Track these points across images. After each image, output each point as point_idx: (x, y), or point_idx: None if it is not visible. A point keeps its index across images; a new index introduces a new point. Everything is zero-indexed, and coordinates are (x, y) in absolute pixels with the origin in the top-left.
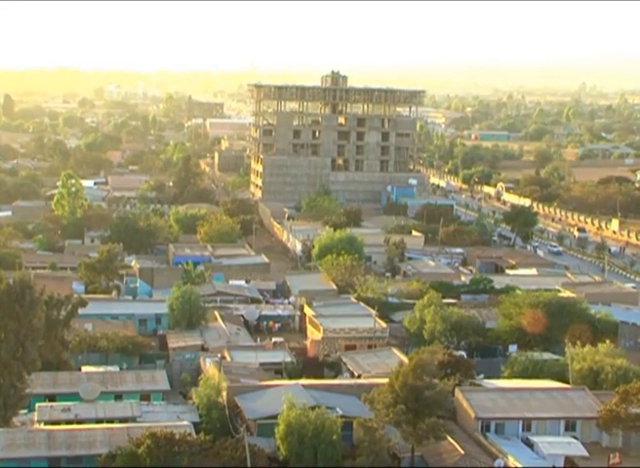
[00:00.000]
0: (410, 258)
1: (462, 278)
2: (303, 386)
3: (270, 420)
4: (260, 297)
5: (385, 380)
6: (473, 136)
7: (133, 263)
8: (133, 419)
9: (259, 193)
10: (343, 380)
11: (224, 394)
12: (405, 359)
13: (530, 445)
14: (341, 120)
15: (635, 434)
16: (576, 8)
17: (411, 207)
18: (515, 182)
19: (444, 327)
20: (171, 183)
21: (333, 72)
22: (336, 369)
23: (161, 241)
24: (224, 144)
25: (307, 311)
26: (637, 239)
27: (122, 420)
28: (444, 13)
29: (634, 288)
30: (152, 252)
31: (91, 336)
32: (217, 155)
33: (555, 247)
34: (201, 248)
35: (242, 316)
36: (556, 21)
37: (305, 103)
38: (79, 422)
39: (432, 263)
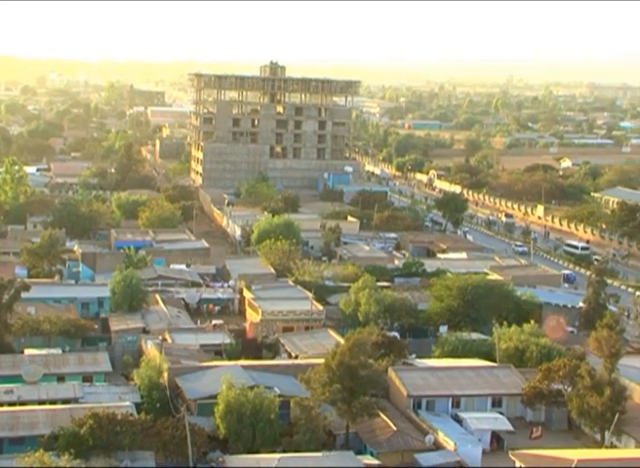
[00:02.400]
0: (345, 243)
1: (396, 262)
2: (242, 367)
3: (210, 400)
4: (201, 281)
5: (322, 361)
6: (406, 126)
7: (75, 248)
8: (75, 400)
9: (199, 180)
10: (281, 361)
11: (165, 375)
12: (341, 340)
13: (459, 420)
14: (280, 109)
15: (557, 409)
16: (506, 8)
17: (346, 193)
18: (446, 170)
19: (378, 309)
20: (113, 170)
21: (271, 62)
22: (274, 350)
23: (103, 226)
24: (165, 132)
25: (246, 294)
26: (560, 224)
27: (64, 401)
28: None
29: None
30: (94, 237)
31: (34, 320)
32: (158, 142)
33: (521, 246)
34: (142, 233)
35: (183, 299)
36: (485, 20)
37: (245, 93)
38: (22, 404)
39: (367, 248)
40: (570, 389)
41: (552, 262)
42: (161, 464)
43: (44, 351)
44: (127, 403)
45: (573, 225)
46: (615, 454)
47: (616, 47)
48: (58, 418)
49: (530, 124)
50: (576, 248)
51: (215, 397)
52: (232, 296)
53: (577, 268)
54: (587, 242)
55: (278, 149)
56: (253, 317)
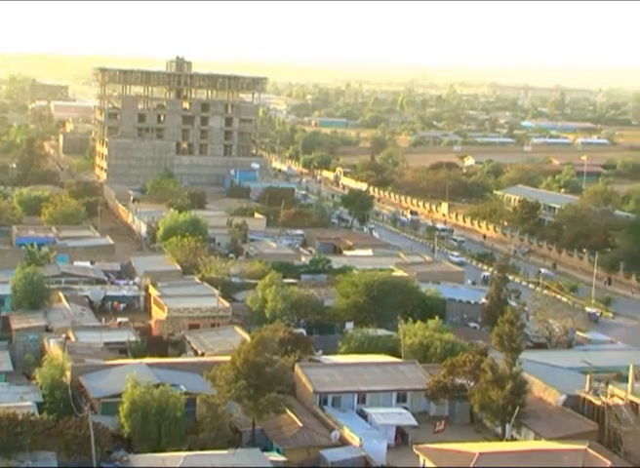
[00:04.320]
0: (252, 240)
1: (302, 258)
2: (148, 365)
3: (114, 399)
4: (105, 278)
5: (228, 358)
6: (313, 123)
7: None
8: None
9: (103, 176)
10: (187, 358)
11: (68, 374)
12: (247, 337)
13: (364, 416)
14: (186, 105)
15: (460, 403)
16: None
17: (253, 190)
18: (352, 167)
19: (285, 305)
20: (14, 165)
21: (177, 58)
22: (179, 347)
23: (4, 222)
24: (69, 127)
25: (152, 291)
26: (464, 221)
27: None
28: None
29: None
30: None
31: None
32: (61, 137)
33: (458, 257)
34: (45, 229)
35: (87, 297)
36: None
37: (150, 88)
38: None
39: (274, 244)
40: (472, 384)
41: (456, 258)
42: (64, 464)
43: None
44: (28, 402)
45: (476, 222)
46: (515, 447)
47: (518, 52)
48: None
49: (434, 122)
50: (444, 230)
51: (119, 395)
52: (138, 294)
53: (480, 265)
54: (445, 222)
55: (184, 145)
56: (158, 314)
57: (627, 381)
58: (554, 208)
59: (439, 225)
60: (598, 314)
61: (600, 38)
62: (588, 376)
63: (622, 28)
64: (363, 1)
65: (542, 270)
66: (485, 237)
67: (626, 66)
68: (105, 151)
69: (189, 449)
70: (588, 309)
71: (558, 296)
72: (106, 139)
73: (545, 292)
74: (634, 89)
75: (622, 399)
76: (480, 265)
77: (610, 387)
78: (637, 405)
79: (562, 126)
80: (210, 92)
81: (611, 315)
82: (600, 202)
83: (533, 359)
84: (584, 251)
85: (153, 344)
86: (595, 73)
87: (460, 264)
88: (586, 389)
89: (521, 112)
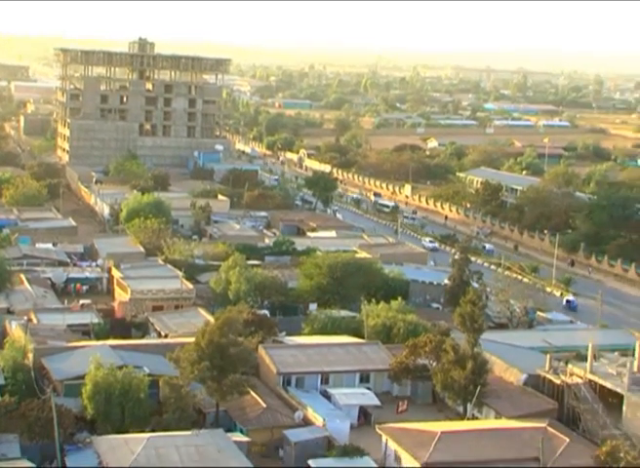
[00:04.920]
0: (216, 222)
1: (266, 240)
2: (111, 347)
3: (77, 381)
4: (68, 260)
5: (191, 339)
6: (277, 105)
7: None
8: None
9: (65, 157)
10: (150, 340)
11: (30, 356)
12: (210, 318)
13: (327, 397)
14: (149, 86)
15: (422, 383)
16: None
17: (217, 172)
18: (316, 149)
19: (248, 287)
20: None
21: (140, 39)
22: (143, 329)
23: None
24: (30, 108)
25: (115, 273)
26: (427, 203)
27: None
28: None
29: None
30: None
31: None
32: (22, 119)
33: (432, 242)
34: (6, 211)
35: (49, 279)
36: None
37: (113, 69)
38: None
39: (237, 226)
40: (435, 364)
41: (419, 240)
42: (26, 446)
43: None
44: None
45: (439, 204)
46: (476, 425)
47: (480, 36)
48: None
49: (398, 104)
50: (387, 206)
51: (82, 377)
52: (100, 276)
53: (442, 246)
54: (377, 194)
55: (147, 127)
56: (122, 296)
57: (586, 360)
58: (516, 190)
59: (386, 201)
60: (577, 302)
61: (562, 24)
62: (548, 356)
63: (583, 15)
64: None
65: (487, 245)
66: (447, 218)
67: (587, 51)
68: (67, 133)
69: (153, 431)
70: (567, 297)
71: (519, 277)
72: (68, 121)
73: (507, 272)
74: (594, 72)
75: (581, 378)
76: (443, 246)
77: (569, 366)
78: (595, 383)
79: (524, 108)
80: (173, 73)
81: (571, 295)
82: (561, 184)
83: (494, 339)
84: (546, 232)
85: (116, 326)
86: (557, 58)
87: (433, 250)
88: (546, 368)
89: (484, 95)
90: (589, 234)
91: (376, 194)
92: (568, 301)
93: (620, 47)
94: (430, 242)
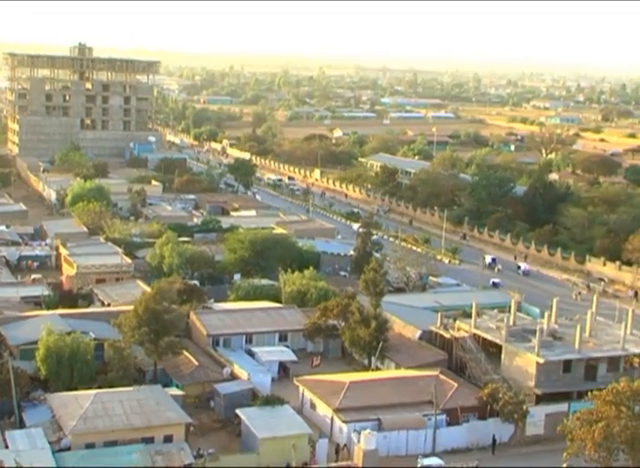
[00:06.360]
0: (150, 204)
1: (195, 219)
2: (60, 315)
3: (31, 346)
4: (20, 240)
5: (131, 307)
6: (202, 101)
7: None
8: None
9: (16, 149)
10: (95, 309)
11: None
12: (147, 289)
13: (251, 354)
14: (89, 85)
15: (332, 340)
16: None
17: (150, 160)
18: (237, 139)
19: (180, 261)
20: None
21: (80, 44)
22: (88, 299)
23: None
24: None
25: (62, 251)
26: (334, 185)
27: None
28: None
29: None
30: None
31: None
32: None
33: (376, 235)
34: None
35: (3, 257)
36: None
37: (56, 71)
38: None
39: (169, 208)
40: (343, 324)
41: (328, 217)
42: None
43: None
44: None
45: (344, 186)
46: (379, 375)
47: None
48: None
49: (307, 99)
50: (280, 180)
51: (36, 343)
52: (49, 253)
53: (347, 222)
54: (290, 178)
55: (88, 122)
56: (68, 271)
57: (471, 317)
58: (410, 172)
59: (273, 176)
60: (502, 283)
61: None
62: (439, 314)
63: (468, 26)
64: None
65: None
66: (347, 196)
67: (469, 57)
68: (17, 127)
69: (99, 388)
70: (493, 280)
71: (414, 248)
72: (17, 117)
73: (403, 243)
74: (473, 71)
75: (467, 332)
76: (348, 222)
77: (457, 322)
78: (479, 336)
79: (415, 102)
80: (110, 74)
81: (457, 262)
82: (448, 167)
83: (393, 301)
84: (435, 208)
85: (64, 297)
86: (442, 61)
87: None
88: (438, 325)
89: (381, 90)
90: (472, 209)
91: (289, 178)
92: (494, 283)
93: (496, 55)
94: (377, 236)
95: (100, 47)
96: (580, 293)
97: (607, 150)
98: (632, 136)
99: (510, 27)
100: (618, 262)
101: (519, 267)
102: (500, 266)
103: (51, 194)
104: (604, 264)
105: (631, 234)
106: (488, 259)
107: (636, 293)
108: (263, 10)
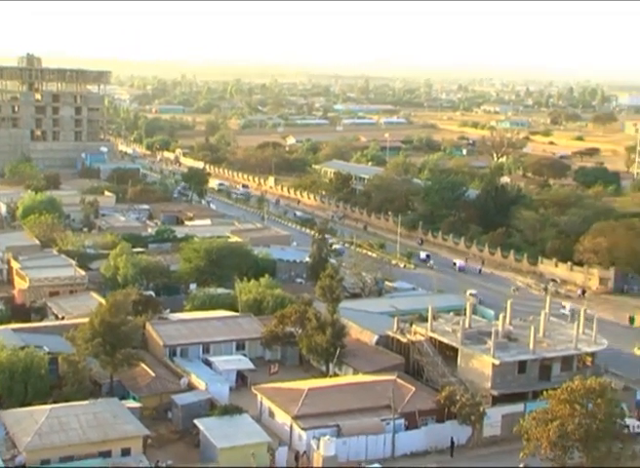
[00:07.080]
0: (103, 215)
1: (149, 229)
2: (13, 330)
3: None
4: None
5: (86, 320)
6: (154, 110)
7: None
8: None
9: None
10: (49, 322)
11: None
12: (102, 301)
13: (209, 363)
14: (38, 96)
15: (290, 348)
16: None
17: (103, 171)
18: (190, 148)
19: (135, 271)
20: None
21: (28, 54)
22: (41, 313)
23: None
24: None
25: (14, 264)
26: (288, 192)
27: None
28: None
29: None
30: None
31: None
32: None
33: (340, 244)
34: None
35: None
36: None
37: (4, 81)
38: None
39: (123, 218)
40: (300, 331)
41: (283, 225)
42: None
43: None
44: None
45: (299, 193)
46: (337, 381)
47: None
48: None
49: (260, 107)
50: (222, 184)
51: None
52: (0, 267)
53: (303, 229)
54: (244, 186)
55: (38, 133)
56: (21, 284)
57: (427, 321)
58: (364, 178)
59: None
60: (477, 294)
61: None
62: (396, 319)
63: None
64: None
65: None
66: (299, 202)
67: (421, 63)
68: None
69: (54, 402)
70: (470, 291)
71: (369, 253)
72: None
73: (358, 249)
74: (424, 77)
75: (423, 336)
76: (305, 229)
77: (413, 326)
78: (435, 340)
79: (367, 108)
80: (60, 84)
81: (412, 267)
82: (401, 172)
83: (350, 307)
84: (390, 213)
85: (17, 311)
86: (390, 69)
87: (339, 253)
88: (394, 329)
89: (333, 97)
90: (426, 214)
91: (244, 185)
92: (472, 294)
93: (448, 60)
94: (339, 244)
95: (48, 57)
96: (517, 289)
97: (556, 153)
98: (580, 138)
99: (461, 30)
100: (569, 263)
101: (455, 263)
102: (432, 262)
103: (1, 207)
104: (556, 265)
105: (581, 235)
106: (422, 255)
107: (584, 292)
108: (211, 10)
